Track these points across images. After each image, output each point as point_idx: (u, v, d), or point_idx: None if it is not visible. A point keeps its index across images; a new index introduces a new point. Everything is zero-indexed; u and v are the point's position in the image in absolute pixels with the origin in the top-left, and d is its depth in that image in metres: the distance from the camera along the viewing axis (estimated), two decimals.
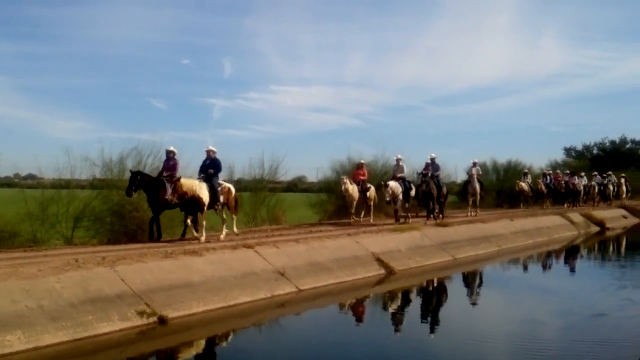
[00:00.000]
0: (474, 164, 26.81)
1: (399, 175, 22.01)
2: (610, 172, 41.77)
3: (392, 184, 20.77)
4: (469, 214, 26.16)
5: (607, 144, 65.57)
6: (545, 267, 19.95)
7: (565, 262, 21.12)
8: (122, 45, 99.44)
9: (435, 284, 16.05)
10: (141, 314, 10.02)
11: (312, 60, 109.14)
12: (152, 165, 17.30)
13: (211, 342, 10.17)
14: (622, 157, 61.39)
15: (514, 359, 9.16)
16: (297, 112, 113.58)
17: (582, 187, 36.52)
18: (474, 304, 13.91)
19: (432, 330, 11.18)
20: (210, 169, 15.63)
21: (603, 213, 33.30)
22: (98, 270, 10.64)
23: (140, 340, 9.57)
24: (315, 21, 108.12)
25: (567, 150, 63.62)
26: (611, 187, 39.59)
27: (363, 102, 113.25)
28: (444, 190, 23.81)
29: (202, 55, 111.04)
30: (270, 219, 21.88)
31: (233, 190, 16.59)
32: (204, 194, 14.95)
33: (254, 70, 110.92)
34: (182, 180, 14.47)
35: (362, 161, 23.47)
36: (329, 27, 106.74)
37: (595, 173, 40.46)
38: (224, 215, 16.17)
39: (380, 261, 15.98)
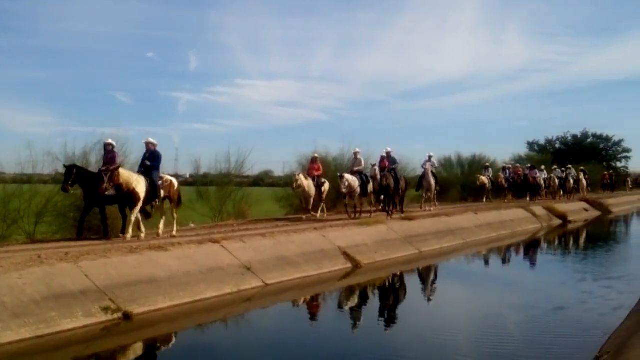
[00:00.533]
0: (429, 158, 25.92)
1: (357, 169, 21.23)
2: (570, 166, 42.28)
3: (349, 177, 19.98)
4: (424, 208, 25.80)
5: (569, 138, 66.95)
6: (507, 260, 20.24)
7: (527, 255, 21.47)
8: (86, 38, 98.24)
9: (400, 278, 16.19)
10: (106, 310, 9.93)
11: (278, 54, 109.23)
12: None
13: (176, 338, 10.12)
14: (583, 151, 62.71)
15: (472, 352, 9.26)
16: (263, 107, 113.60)
17: (542, 181, 36.53)
18: (436, 297, 14.04)
19: (393, 325, 11.29)
20: (149, 162, 14.96)
21: (565, 206, 33.91)
22: (61, 266, 10.50)
23: (104, 336, 9.48)
24: (281, 15, 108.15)
25: (531, 145, 64.75)
26: (572, 181, 39.94)
27: (329, 97, 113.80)
28: (402, 183, 22.98)
29: (167, 48, 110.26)
30: (237, 214, 21.80)
31: (176, 183, 15.83)
32: (140, 189, 14.20)
33: (220, 64, 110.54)
34: (121, 170, 13.96)
35: (316, 155, 22.39)
36: (295, 22, 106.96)
37: (555, 167, 40.75)
38: (173, 212, 15.77)
39: (346, 255, 16.06)
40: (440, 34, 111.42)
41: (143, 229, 14.73)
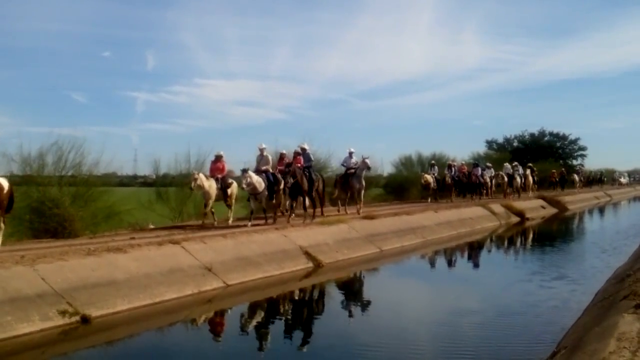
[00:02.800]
0: (350, 155, 23.32)
1: (264, 167, 19.04)
2: (516, 163, 41.60)
3: (252, 174, 18.05)
4: (344, 211, 23.21)
5: (527, 136, 68.04)
6: (465, 257, 20.47)
7: (485, 253, 21.77)
8: (39, 37, 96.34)
9: (359, 277, 16.34)
10: (63, 313, 9.78)
11: (236, 53, 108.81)
12: (74, 160, 16.83)
13: (135, 341, 10.03)
14: (541, 150, 63.85)
15: (430, 349, 9.37)
16: (222, 106, 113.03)
17: (488, 179, 35.89)
18: (391, 298, 14.07)
19: (347, 325, 11.31)
20: None
21: (523, 204, 34.44)
22: (17, 269, 10.30)
23: (62, 340, 9.35)
24: (240, 15, 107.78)
25: (489, 143, 65.60)
26: (518, 179, 39.07)
27: (289, 96, 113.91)
28: (319, 183, 20.76)
29: (123, 47, 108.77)
30: (197, 215, 21.63)
31: (6, 185, 12.91)
32: None
33: (178, 64, 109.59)
34: None
35: (221, 152, 19.43)
36: (254, 21, 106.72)
37: (506, 164, 40.52)
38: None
39: (308, 254, 16.07)
40: (399, 34, 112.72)
41: None
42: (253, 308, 12.51)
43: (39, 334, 9.21)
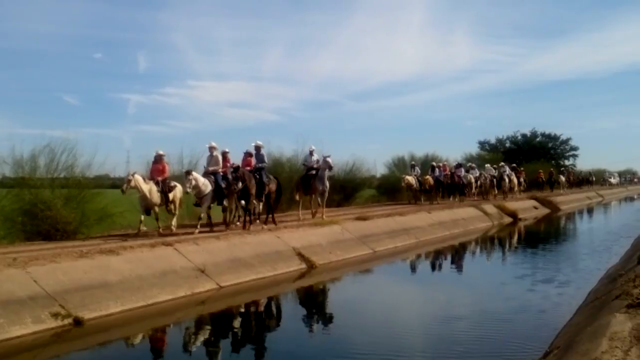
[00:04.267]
0: (311, 153, 21.45)
1: (212, 169, 17.59)
2: (503, 163, 40.60)
3: (197, 176, 16.62)
4: (313, 214, 21.40)
5: (519, 137, 68.24)
6: (458, 258, 20.46)
7: (478, 253, 21.82)
8: (31, 38, 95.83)
9: (351, 279, 16.32)
10: (55, 315, 9.75)
11: (229, 55, 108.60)
12: (66, 162, 16.77)
13: (128, 343, 10.00)
14: (533, 150, 64.09)
15: (426, 349, 9.40)
16: (215, 108, 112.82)
17: (472, 180, 35.11)
18: (384, 300, 14.02)
19: (341, 326, 11.28)
20: None
21: (515, 204, 34.57)
22: (9, 271, 10.28)
23: (54, 342, 9.32)
24: (231, 16, 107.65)
25: (482, 144, 65.72)
26: (506, 179, 37.85)
27: (282, 98, 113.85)
28: (272, 186, 18.97)
29: (115, 49, 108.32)
30: (191, 216, 21.57)
31: None
32: None
33: (170, 65, 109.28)
34: None
35: (161, 152, 17.20)
36: (245, 22, 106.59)
37: (488, 165, 39.67)
38: None
39: (301, 256, 16.07)
40: (391, 35, 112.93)
41: None
42: (247, 310, 12.50)
43: (31, 336, 9.17)
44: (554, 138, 69.26)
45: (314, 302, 13.60)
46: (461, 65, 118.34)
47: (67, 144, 17.05)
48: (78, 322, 9.88)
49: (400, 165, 38.47)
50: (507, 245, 23.97)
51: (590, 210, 46.01)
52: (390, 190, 35.32)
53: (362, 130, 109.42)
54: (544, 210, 38.05)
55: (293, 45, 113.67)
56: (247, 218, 17.73)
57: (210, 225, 17.23)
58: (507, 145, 67.30)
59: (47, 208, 15.27)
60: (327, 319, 11.76)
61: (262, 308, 12.78)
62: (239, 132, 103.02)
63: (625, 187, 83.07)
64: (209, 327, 11.22)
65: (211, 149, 17.83)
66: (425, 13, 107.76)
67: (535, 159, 57.34)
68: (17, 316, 9.31)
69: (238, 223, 18.14)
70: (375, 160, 48.68)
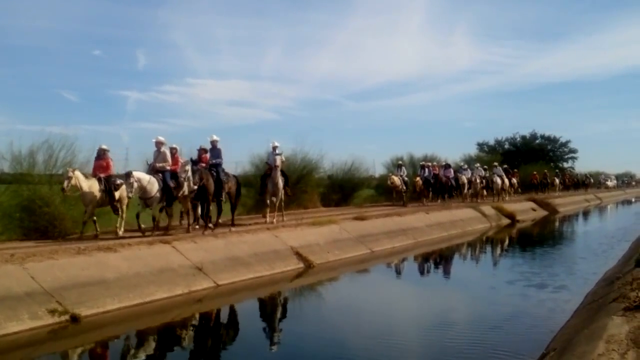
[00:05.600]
0: (274, 150, 19.46)
1: (159, 165, 16.12)
2: (496, 164, 39.67)
3: (140, 175, 15.21)
4: (267, 219, 19.31)
5: (518, 139, 68.19)
6: (457, 259, 20.48)
7: (476, 254, 21.79)
8: (30, 35, 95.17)
9: (348, 279, 16.33)
10: (52, 312, 9.75)
11: (228, 53, 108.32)
12: (65, 159, 16.74)
13: (124, 340, 9.98)
14: (532, 152, 64.05)
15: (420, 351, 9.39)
16: (214, 106, 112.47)
17: (465, 181, 34.27)
18: (380, 301, 14.02)
19: (335, 327, 11.27)
20: None
21: (513, 206, 34.56)
22: (6, 267, 10.28)
23: (51, 339, 9.32)
24: (230, 14, 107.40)
25: (480, 145, 65.60)
26: (499, 181, 36.68)
27: (280, 96, 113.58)
28: (231, 184, 17.71)
29: (114, 46, 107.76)
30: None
31: None
32: None
33: (169, 63, 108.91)
34: None
35: (105, 147, 15.80)
36: (244, 21, 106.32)
37: (477, 165, 38.31)
38: None
39: (299, 255, 16.07)
40: (390, 35, 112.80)
41: None
42: (244, 308, 12.50)
43: (28, 332, 9.17)
44: (553, 140, 69.24)
45: (311, 301, 13.57)
46: (460, 66, 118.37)
47: (66, 141, 17.05)
48: (75, 318, 9.88)
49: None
50: (505, 247, 23.94)
51: (588, 213, 46.02)
52: (389, 190, 35.32)
53: (361, 130, 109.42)
54: (542, 212, 38.05)
55: (292, 44, 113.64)
56: (208, 220, 16.61)
57: (154, 229, 15.73)
58: (506, 146, 67.23)
59: (45, 204, 15.25)
60: (324, 319, 11.76)
61: (259, 307, 12.78)
62: (238, 130, 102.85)
63: (623, 190, 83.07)
64: (205, 325, 11.25)
65: (158, 143, 16.35)
66: (425, 14, 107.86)
67: (534, 161, 57.27)
68: (14, 312, 9.30)
69: (197, 227, 16.67)
70: (374, 161, 48.65)
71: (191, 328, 10.97)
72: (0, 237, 15.02)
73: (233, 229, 16.76)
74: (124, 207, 15.86)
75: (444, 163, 35.35)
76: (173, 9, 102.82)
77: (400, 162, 32.24)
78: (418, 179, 30.90)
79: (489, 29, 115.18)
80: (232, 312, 12.27)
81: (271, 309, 12.67)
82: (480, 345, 9.19)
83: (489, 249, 23.43)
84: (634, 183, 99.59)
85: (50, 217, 15.24)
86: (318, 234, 18.14)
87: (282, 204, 20.27)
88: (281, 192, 19.43)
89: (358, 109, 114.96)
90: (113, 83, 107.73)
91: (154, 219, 15.76)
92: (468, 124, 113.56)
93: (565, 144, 69.47)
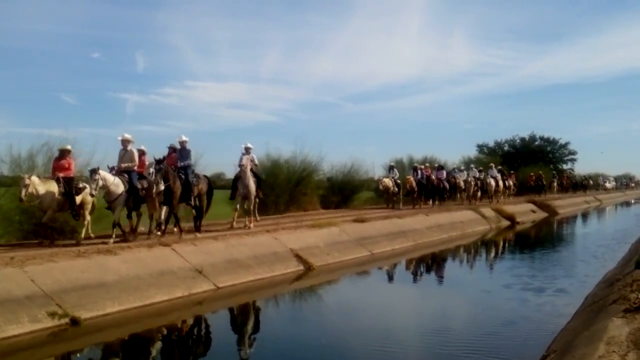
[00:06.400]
0: (247, 150, 18.73)
1: (125, 165, 14.98)
2: (492, 165, 39.00)
3: (106, 175, 14.17)
4: (233, 224, 18.20)
5: (517, 141, 68.01)
6: (457, 260, 20.49)
7: (476, 256, 21.80)
8: (28, 37, 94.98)
9: (348, 281, 16.35)
10: (52, 315, 9.73)
11: (227, 56, 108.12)
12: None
13: (124, 343, 9.98)
14: (531, 154, 63.93)
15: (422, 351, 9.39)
16: (213, 108, 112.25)
17: (462, 183, 33.85)
18: (381, 300, 14.07)
19: (334, 329, 11.27)
20: None
21: (513, 208, 34.51)
22: (6, 270, 10.27)
23: (51, 342, 9.30)
24: (229, 17, 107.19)
25: (480, 147, 65.43)
26: (492, 182, 35.83)
27: (280, 99, 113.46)
28: (202, 187, 16.59)
29: (113, 49, 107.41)
30: (188, 217, 21.51)
31: None
32: None
33: (168, 65, 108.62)
34: None
35: (68, 147, 14.72)
36: (243, 23, 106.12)
37: (472, 166, 37.57)
38: None
39: (299, 257, 16.06)
40: (389, 38, 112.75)
41: None
42: (243, 311, 12.51)
43: (28, 335, 9.16)
44: (553, 142, 69.15)
45: (311, 304, 13.56)
46: (460, 68, 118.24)
47: (66, 143, 17.03)
48: (75, 321, 9.86)
49: (399, 168, 38.36)
50: (505, 250, 23.94)
51: (588, 215, 46.04)
52: (381, 193, 35.29)
53: (360, 133, 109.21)
54: (542, 214, 38.03)
55: (291, 46, 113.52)
56: (165, 226, 15.68)
57: (122, 234, 14.78)
58: (506, 148, 67.09)
59: (94, 206, 15.22)
60: (324, 322, 11.75)
61: (259, 309, 12.77)
62: (237, 132, 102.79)
63: (622, 191, 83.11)
64: (205, 328, 11.24)
65: (124, 141, 15.15)
66: (424, 16, 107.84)
67: (534, 162, 57.22)
68: (14, 315, 9.29)
69: (158, 233, 15.44)
70: (374, 163, 48.56)
71: (192, 331, 10.97)
72: None
73: (199, 235, 15.68)
74: (87, 212, 14.92)
75: (436, 165, 34.59)
76: (172, 11, 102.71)
77: (392, 164, 31.44)
78: (410, 177, 29.97)
79: (488, 31, 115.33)
80: (233, 314, 12.27)
81: (272, 312, 12.67)
82: (481, 347, 9.20)
83: (488, 251, 23.40)
84: (633, 185, 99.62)
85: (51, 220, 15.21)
86: (318, 236, 18.13)
87: (256, 207, 19.64)
88: (253, 195, 18.61)
89: (357, 111, 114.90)
90: (112, 86, 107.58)
91: (114, 224, 14.39)
92: (467, 125, 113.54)
93: (564, 146, 69.36)
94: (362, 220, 21.49)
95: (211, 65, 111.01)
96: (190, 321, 11.53)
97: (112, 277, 11.45)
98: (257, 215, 19.83)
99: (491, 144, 67.11)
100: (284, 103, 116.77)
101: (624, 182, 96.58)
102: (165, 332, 10.70)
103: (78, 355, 9.38)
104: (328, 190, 32.01)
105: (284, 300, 13.74)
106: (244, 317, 12.06)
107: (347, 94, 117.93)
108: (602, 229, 33.41)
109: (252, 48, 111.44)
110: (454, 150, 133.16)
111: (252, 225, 18.34)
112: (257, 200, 19.52)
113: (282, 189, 26.55)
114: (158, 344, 10.05)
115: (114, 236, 14.24)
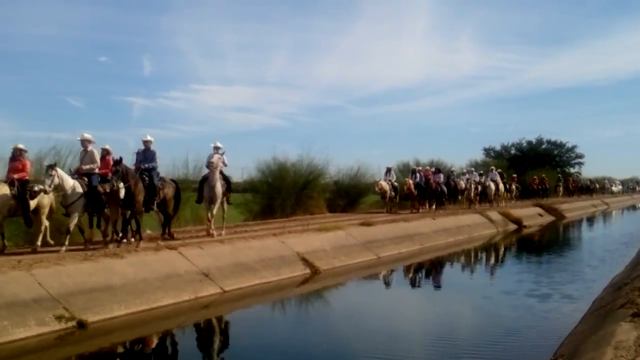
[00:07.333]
0: (216, 149, 16.93)
1: (86, 167, 14.07)
2: (493, 167, 38.27)
3: (63, 174, 13.31)
4: (210, 231, 16.82)
5: (524, 144, 67.79)
6: (461, 266, 20.40)
7: (483, 259, 21.72)
8: (36, 41, 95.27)
9: (355, 285, 16.34)
10: (59, 318, 9.76)
11: (233, 59, 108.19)
12: (72, 165, 16.75)
13: (131, 346, 10.01)
14: (538, 157, 63.66)
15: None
16: (219, 112, 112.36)
17: (463, 186, 33.13)
18: (388, 305, 14.06)
19: (339, 333, 11.25)
20: None
21: (520, 212, 34.37)
22: (14, 274, 10.30)
23: (58, 345, 9.33)
24: (235, 20, 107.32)
25: (487, 151, 65.29)
26: (492, 186, 34.88)
27: (286, 102, 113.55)
28: (168, 191, 15.39)
29: (120, 52, 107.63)
30: (195, 220, 21.59)
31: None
32: None
33: (175, 69, 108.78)
34: None
35: (21, 146, 13.62)
36: (249, 27, 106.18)
37: (472, 169, 37.08)
38: None
39: (305, 261, 16.05)
40: (395, 41, 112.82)
41: None
42: (250, 314, 12.50)
43: (35, 338, 9.18)
44: (560, 145, 68.89)
45: (318, 308, 13.53)
46: (466, 71, 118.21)
47: (73, 147, 17.10)
48: (82, 324, 9.88)
49: (405, 171, 38.25)
50: (512, 253, 23.86)
51: (595, 218, 45.84)
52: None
53: (366, 136, 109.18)
54: (548, 218, 37.89)
55: (297, 50, 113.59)
56: (134, 233, 14.83)
57: (84, 243, 14.10)
58: (512, 152, 66.89)
59: (52, 210, 15.24)
60: (330, 326, 11.74)
61: (266, 313, 12.75)
62: (244, 136, 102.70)
63: (630, 195, 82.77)
64: (212, 332, 11.24)
65: (84, 142, 14.23)
66: (430, 19, 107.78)
67: (541, 166, 57.02)
68: (21, 318, 9.32)
69: (119, 240, 14.39)
70: (380, 166, 48.32)
71: (199, 335, 10.98)
72: (7, 243, 15.05)
73: (161, 242, 14.61)
74: (44, 217, 14.01)
75: (433, 168, 32.98)
76: (178, 15, 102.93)
77: (389, 167, 30.41)
78: (408, 180, 28.57)
79: (494, 34, 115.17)
80: (240, 318, 12.26)
81: (279, 316, 12.64)
82: (489, 351, 9.18)
83: (495, 255, 23.31)
84: (639, 189, 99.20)
85: (57, 224, 15.25)
86: (324, 239, 18.11)
87: (223, 213, 17.70)
88: (219, 199, 16.66)
89: (364, 114, 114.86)
90: (119, 89, 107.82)
91: (67, 231, 13.51)
92: (474, 129, 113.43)
93: (571, 149, 69.07)
94: (368, 224, 21.47)
95: (217, 68, 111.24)
96: (197, 325, 11.53)
97: (118, 281, 11.47)
98: (224, 223, 17.78)
99: (498, 147, 66.98)
100: (290, 106, 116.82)
101: (631, 186, 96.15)
102: (172, 335, 10.72)
103: (86, 358, 9.39)
104: (334, 193, 31.99)
105: (291, 304, 13.73)
106: (250, 320, 12.04)
107: (354, 97, 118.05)
108: (609, 233, 33.27)
109: (258, 51, 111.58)
110: (460, 153, 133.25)
111: (221, 233, 16.96)
112: (226, 206, 17.81)
113: (288, 193, 26.59)
114: (165, 348, 10.06)
115: (66, 244, 13.22)
